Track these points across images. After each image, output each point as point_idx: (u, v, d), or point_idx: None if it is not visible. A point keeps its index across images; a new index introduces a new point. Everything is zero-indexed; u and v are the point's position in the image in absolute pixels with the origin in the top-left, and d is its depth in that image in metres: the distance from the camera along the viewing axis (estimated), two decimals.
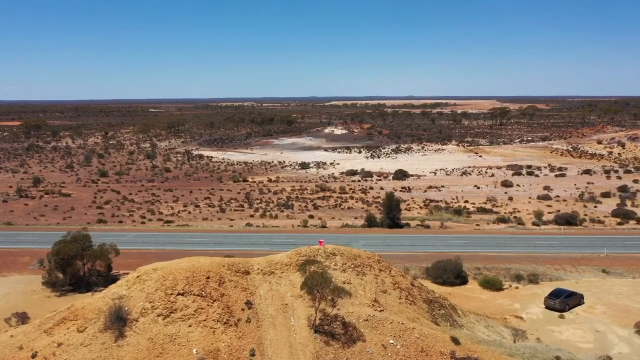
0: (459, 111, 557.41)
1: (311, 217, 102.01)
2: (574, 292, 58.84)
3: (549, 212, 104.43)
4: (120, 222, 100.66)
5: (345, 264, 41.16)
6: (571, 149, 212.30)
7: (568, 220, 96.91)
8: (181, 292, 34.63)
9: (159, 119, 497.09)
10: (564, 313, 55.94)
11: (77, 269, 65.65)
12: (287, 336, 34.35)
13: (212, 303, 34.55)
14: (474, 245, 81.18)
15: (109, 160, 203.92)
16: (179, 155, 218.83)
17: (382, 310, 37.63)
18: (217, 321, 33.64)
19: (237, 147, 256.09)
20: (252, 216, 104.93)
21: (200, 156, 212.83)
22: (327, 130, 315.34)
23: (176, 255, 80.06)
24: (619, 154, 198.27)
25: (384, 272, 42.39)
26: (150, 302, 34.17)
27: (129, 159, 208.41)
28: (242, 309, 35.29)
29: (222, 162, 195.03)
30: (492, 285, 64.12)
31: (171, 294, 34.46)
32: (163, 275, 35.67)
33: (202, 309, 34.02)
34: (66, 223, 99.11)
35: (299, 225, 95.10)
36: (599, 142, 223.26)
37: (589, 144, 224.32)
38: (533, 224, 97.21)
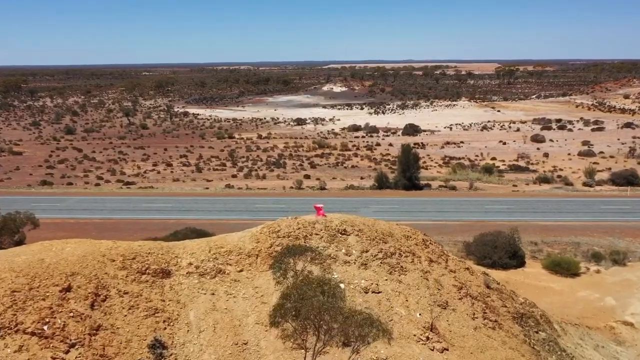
0: (463, 72, 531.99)
1: (307, 177, 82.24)
2: None
3: (598, 170, 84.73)
4: (70, 183, 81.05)
5: (367, 251, 21.34)
6: (597, 104, 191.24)
7: (628, 179, 77.34)
8: None
9: (149, 78, 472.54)
10: None
11: None
12: None
13: (66, 352, 14.73)
14: (521, 212, 61.69)
15: (83, 118, 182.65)
16: (161, 113, 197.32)
17: (446, 350, 17.97)
18: None
19: (227, 105, 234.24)
20: (234, 176, 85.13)
21: (185, 113, 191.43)
22: (325, 88, 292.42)
23: (124, 226, 60.36)
24: None
25: (437, 265, 22.65)
26: None
27: (105, 116, 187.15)
28: None
29: (208, 120, 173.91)
30: (564, 268, 44.76)
31: None
32: None
33: None
34: (2, 185, 79.50)
35: (291, 187, 75.46)
36: (626, 97, 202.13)
37: (615, 98, 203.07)
38: (584, 184, 77.83)
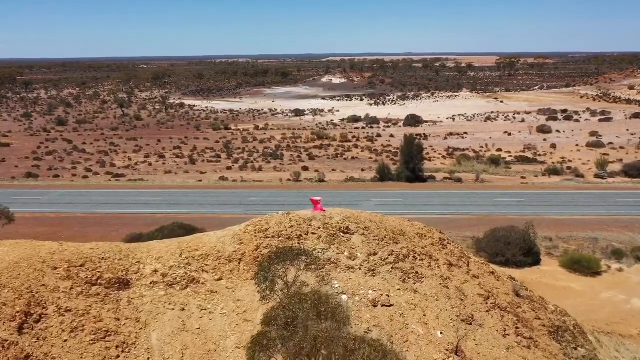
0: (463, 64, 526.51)
1: (305, 169, 78.50)
2: None
3: (609, 162, 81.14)
4: (57, 176, 77.29)
5: (375, 254, 17.61)
6: (602, 95, 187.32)
7: None
8: None
9: (146, 71, 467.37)
10: None
11: None
12: None
13: None
14: (532, 205, 58.08)
15: (76, 110, 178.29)
16: (157, 104, 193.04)
17: None
18: None
19: (224, 96, 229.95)
20: (229, 168, 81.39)
21: (181, 105, 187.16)
22: (324, 80, 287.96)
23: (109, 220, 56.38)
24: None
25: (458, 270, 18.96)
26: None
27: (99, 108, 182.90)
28: None
29: (204, 111, 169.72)
30: (585, 267, 41.14)
31: None
32: None
33: None
34: None
35: (288, 180, 71.76)
36: (631, 88, 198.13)
37: (620, 89, 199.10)
38: (596, 176, 74.19)
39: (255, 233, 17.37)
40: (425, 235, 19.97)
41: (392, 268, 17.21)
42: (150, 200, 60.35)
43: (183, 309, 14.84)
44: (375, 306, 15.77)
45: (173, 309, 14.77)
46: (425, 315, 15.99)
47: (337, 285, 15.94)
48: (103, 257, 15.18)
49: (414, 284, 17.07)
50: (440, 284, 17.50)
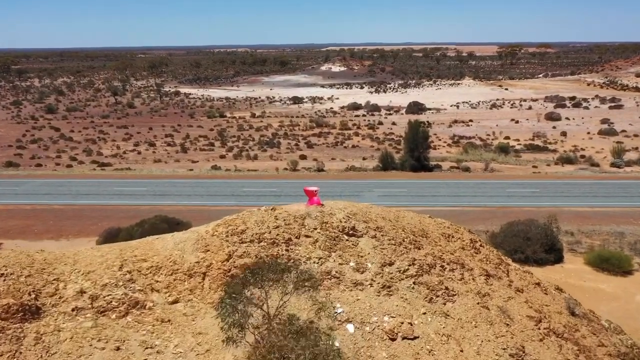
0: (464, 53, 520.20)
1: (303, 157, 74.03)
2: None
3: (625, 150, 76.81)
4: (39, 165, 72.69)
5: (391, 264, 13.02)
6: (609, 82, 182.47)
7: None
8: None
9: (143, 59, 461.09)
10: None
11: None
12: None
13: None
14: (549, 196, 53.65)
15: (68, 98, 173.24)
16: (151, 92, 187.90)
17: None
18: None
19: (221, 84, 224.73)
20: (223, 157, 76.93)
21: (176, 93, 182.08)
22: (323, 68, 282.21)
23: (88, 213, 51.20)
24: None
25: (497, 282, 14.42)
26: None
27: (92, 96, 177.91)
28: None
29: (199, 99, 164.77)
30: (615, 265, 36.63)
31: None
32: None
33: None
34: None
35: (285, 169, 67.24)
36: (638, 75, 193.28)
37: (627, 77, 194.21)
38: (612, 165, 69.85)
39: (227, 236, 12.81)
40: (453, 236, 15.49)
41: (414, 283, 12.73)
42: (135, 191, 55.86)
43: (118, 348, 10.40)
44: (393, 339, 11.32)
45: (103, 349, 10.31)
46: (462, 351, 11.56)
47: (340, 310, 11.56)
48: (2, 274, 10.69)
49: (444, 304, 12.62)
50: (478, 303, 13.06)
